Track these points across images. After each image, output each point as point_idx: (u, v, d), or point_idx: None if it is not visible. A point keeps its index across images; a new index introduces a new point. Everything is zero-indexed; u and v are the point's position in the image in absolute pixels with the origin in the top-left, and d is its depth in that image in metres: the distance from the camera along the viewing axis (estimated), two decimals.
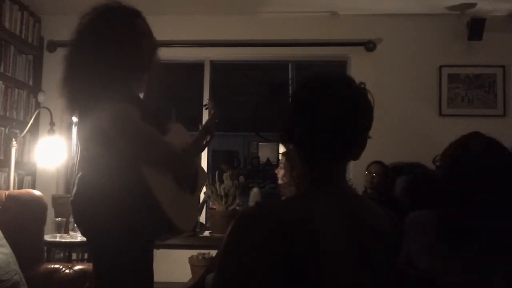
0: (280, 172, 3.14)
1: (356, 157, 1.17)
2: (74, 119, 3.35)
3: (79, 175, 1.86)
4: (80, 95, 1.82)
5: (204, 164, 4.29)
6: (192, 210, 2.08)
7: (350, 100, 1.15)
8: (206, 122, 2.29)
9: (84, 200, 1.79)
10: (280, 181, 3.15)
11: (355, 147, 1.16)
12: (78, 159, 3.68)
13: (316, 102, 1.14)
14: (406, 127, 4.14)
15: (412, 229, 1.58)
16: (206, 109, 2.50)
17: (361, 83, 1.20)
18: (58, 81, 1.88)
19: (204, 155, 4.39)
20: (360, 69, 4.22)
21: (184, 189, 1.94)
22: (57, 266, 2.83)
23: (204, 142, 2.20)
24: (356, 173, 3.86)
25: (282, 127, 1.19)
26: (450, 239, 1.45)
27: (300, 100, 1.18)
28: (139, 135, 1.75)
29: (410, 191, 2.15)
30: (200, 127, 2.19)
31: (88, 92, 1.78)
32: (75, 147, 4.06)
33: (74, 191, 1.84)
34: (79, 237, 3.34)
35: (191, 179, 1.99)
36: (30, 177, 4.05)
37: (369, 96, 1.18)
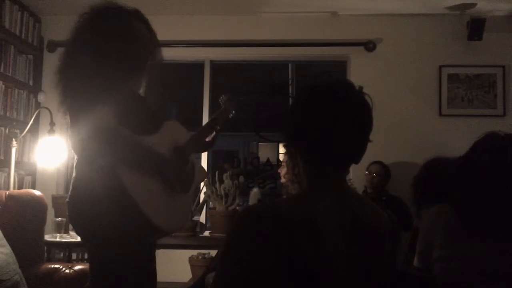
0: (283, 171, 3.12)
1: (357, 160, 1.17)
2: None
3: (73, 176, 1.87)
4: (74, 95, 1.80)
5: (204, 164, 4.28)
6: (182, 209, 1.99)
7: (351, 104, 1.15)
8: (213, 118, 2.20)
9: (78, 201, 1.80)
10: (282, 180, 3.14)
11: (355, 151, 1.17)
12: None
13: (317, 106, 1.14)
14: (406, 127, 4.14)
15: (434, 223, 1.60)
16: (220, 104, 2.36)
17: (360, 86, 1.20)
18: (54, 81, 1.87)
19: (204, 155, 4.39)
20: (360, 69, 4.23)
21: (175, 189, 1.89)
22: (57, 266, 2.83)
23: (209, 139, 2.13)
24: (356, 173, 3.87)
25: (283, 129, 1.19)
26: (471, 229, 1.47)
27: (301, 103, 1.18)
28: (116, 140, 1.73)
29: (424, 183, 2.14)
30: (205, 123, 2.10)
31: (81, 93, 1.77)
32: None
33: (69, 192, 1.85)
34: (79, 237, 3.33)
35: (185, 178, 1.95)
36: (30, 177, 4.05)
37: (368, 99, 1.19)
